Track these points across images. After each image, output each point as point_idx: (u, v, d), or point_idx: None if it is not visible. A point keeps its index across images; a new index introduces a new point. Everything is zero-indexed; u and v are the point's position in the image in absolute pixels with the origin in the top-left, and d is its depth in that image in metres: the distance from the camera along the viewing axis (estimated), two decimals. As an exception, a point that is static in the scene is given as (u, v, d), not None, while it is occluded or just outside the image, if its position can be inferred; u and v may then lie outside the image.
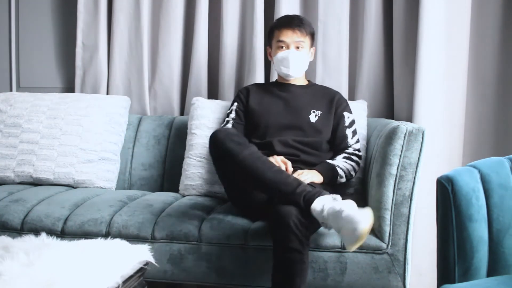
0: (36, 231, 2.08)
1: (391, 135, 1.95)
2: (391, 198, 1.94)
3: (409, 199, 1.94)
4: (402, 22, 2.54)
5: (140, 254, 1.72)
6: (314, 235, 1.95)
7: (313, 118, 2.28)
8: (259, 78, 2.67)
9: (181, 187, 2.48)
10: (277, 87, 2.39)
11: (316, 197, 1.82)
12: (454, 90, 2.51)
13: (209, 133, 2.47)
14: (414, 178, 1.93)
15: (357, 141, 2.30)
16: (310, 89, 2.38)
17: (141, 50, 2.82)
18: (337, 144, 2.28)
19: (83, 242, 1.76)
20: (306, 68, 2.36)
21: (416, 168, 1.93)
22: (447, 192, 1.50)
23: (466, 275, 1.48)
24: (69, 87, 3.02)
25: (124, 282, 1.59)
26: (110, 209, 2.18)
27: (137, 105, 2.86)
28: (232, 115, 2.37)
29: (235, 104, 2.39)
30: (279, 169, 1.94)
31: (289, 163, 2.09)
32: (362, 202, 2.03)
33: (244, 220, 2.07)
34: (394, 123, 2.09)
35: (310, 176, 2.07)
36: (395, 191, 1.94)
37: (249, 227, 2.04)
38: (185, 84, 2.86)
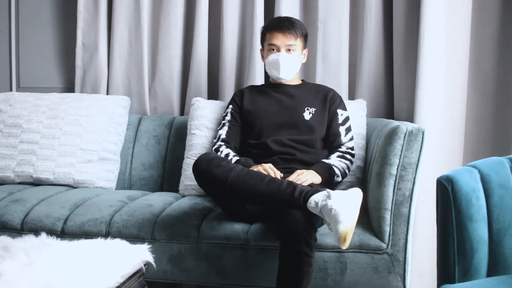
0: (36, 231, 2.08)
1: (391, 135, 1.95)
2: (391, 198, 1.94)
3: (409, 199, 1.94)
4: (402, 22, 2.54)
5: (140, 254, 1.72)
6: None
7: (307, 115, 2.29)
8: (259, 78, 2.68)
9: (181, 187, 2.48)
10: (271, 88, 2.40)
11: (310, 195, 1.82)
12: (454, 90, 2.51)
13: (209, 133, 2.48)
14: (414, 178, 1.93)
15: (351, 139, 2.30)
16: (303, 87, 2.39)
17: (141, 50, 2.82)
18: (330, 142, 2.29)
19: (83, 242, 1.76)
20: (298, 70, 2.37)
21: (416, 168, 1.93)
22: (447, 192, 1.50)
23: (466, 275, 1.48)
24: (69, 87, 3.02)
25: (124, 282, 1.59)
26: (110, 209, 2.18)
27: (137, 105, 2.86)
28: (228, 117, 2.38)
29: (230, 106, 2.41)
30: (270, 178, 1.93)
31: (278, 172, 2.07)
32: (362, 202, 2.03)
33: (244, 220, 2.08)
34: (394, 123, 2.09)
35: (310, 177, 2.07)
36: (395, 191, 1.94)
37: (249, 227, 2.04)
38: (185, 84, 2.86)
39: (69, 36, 2.99)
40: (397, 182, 1.93)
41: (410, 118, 2.49)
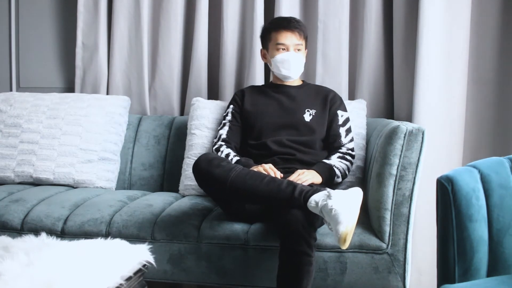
0: (36, 231, 2.08)
1: (391, 135, 1.95)
2: (391, 198, 1.94)
3: (409, 199, 1.94)
4: (402, 22, 2.54)
5: (140, 254, 1.72)
6: (314, 234, 1.95)
7: (307, 117, 2.29)
8: (259, 78, 2.68)
9: (181, 187, 2.48)
10: (272, 88, 2.40)
11: (311, 195, 1.82)
12: (454, 90, 2.51)
13: (209, 133, 2.48)
14: (414, 178, 1.93)
15: (351, 140, 2.31)
16: (304, 88, 2.39)
17: (141, 50, 2.82)
18: (331, 142, 2.30)
19: (83, 242, 1.76)
20: (302, 70, 2.37)
21: (416, 168, 1.93)
22: (447, 192, 1.50)
23: (466, 275, 1.48)
24: (69, 87, 3.02)
25: (124, 282, 1.59)
26: (110, 209, 2.18)
27: (137, 105, 2.86)
28: (229, 117, 2.39)
29: (231, 106, 2.41)
30: (270, 178, 1.93)
31: (278, 172, 2.08)
32: (362, 202, 2.03)
33: (244, 220, 2.08)
34: (394, 123, 2.09)
35: (310, 177, 2.08)
36: (395, 191, 1.94)
37: (249, 227, 2.04)
38: (185, 84, 2.86)
39: (69, 36, 2.99)
40: (397, 182, 1.93)
41: (410, 118, 2.48)
